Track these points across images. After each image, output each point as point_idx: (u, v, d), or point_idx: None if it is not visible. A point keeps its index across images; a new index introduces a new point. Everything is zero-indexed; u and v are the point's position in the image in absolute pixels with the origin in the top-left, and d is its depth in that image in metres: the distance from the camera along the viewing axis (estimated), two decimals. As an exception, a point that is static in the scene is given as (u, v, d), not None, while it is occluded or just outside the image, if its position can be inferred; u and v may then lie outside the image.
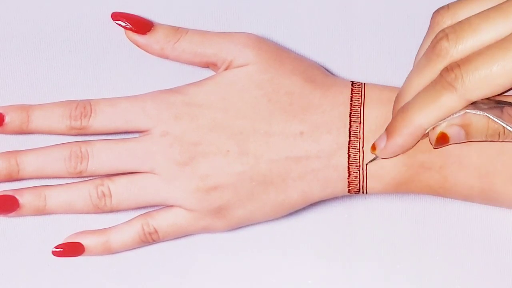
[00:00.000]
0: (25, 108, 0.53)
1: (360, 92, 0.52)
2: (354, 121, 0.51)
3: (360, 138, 0.51)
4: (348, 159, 0.51)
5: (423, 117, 0.48)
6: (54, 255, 0.54)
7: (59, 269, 0.55)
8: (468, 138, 0.48)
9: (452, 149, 0.50)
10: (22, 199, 0.53)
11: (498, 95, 0.47)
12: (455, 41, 0.47)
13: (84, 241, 0.54)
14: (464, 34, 0.47)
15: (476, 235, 0.55)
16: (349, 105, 0.51)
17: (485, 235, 0.55)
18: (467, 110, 0.47)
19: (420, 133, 0.48)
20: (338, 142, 0.51)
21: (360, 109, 0.51)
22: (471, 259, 0.55)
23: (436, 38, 0.48)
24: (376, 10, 0.56)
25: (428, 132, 0.48)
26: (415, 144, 0.49)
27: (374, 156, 0.50)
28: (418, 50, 0.50)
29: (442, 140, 0.48)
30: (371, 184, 0.51)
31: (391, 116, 0.50)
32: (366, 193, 0.51)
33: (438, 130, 0.48)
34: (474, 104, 0.47)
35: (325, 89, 0.52)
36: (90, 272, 0.55)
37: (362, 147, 0.51)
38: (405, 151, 0.50)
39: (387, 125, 0.50)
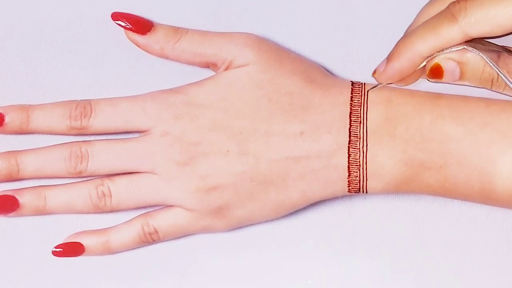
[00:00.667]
0: (25, 108, 0.53)
1: (360, 92, 0.52)
2: (354, 121, 0.51)
3: (360, 138, 0.51)
4: (348, 159, 0.51)
5: (422, 44, 0.49)
6: (54, 255, 0.54)
7: (59, 269, 0.55)
8: (462, 78, 0.50)
9: (452, 149, 0.50)
10: (22, 199, 0.53)
11: (498, 37, 0.48)
12: None
13: (84, 241, 0.54)
14: None
15: (476, 235, 0.55)
16: (349, 105, 0.51)
17: (485, 235, 0.55)
18: (465, 46, 0.48)
19: (417, 59, 0.50)
20: (338, 142, 0.51)
21: (360, 109, 0.51)
22: (471, 259, 0.55)
23: None
24: (376, 10, 0.56)
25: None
26: (412, 72, 0.50)
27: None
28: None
29: (436, 71, 0.50)
30: (371, 184, 0.51)
31: (391, 115, 0.50)
32: (366, 192, 0.51)
33: (435, 61, 0.49)
34: (473, 44, 0.48)
35: (325, 89, 0.52)
36: (90, 272, 0.55)
37: (362, 147, 0.51)
38: (403, 77, 0.51)
39: (387, 125, 0.50)
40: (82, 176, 0.53)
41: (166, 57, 0.54)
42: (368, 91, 0.51)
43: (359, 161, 0.51)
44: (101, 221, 0.54)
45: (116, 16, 0.53)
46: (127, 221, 0.54)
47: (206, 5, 0.57)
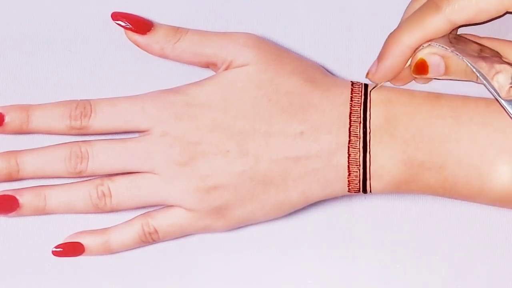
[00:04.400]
0: (25, 108, 0.53)
1: (360, 92, 0.52)
2: (354, 121, 0.51)
3: (360, 138, 0.51)
4: (348, 159, 0.51)
5: (408, 37, 0.49)
6: (54, 255, 0.54)
7: (59, 269, 0.55)
8: (448, 72, 0.50)
9: (452, 149, 0.50)
10: (22, 199, 0.53)
11: (483, 22, 0.48)
12: None
13: (84, 241, 0.54)
14: None
15: (476, 235, 0.55)
16: (349, 105, 0.51)
17: (485, 235, 0.55)
18: (450, 50, 0.48)
19: (406, 52, 0.50)
20: (338, 142, 0.51)
21: (360, 109, 0.51)
22: (471, 259, 0.55)
23: None
24: (376, 10, 0.56)
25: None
26: (403, 67, 0.50)
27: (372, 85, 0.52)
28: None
29: (421, 67, 0.50)
30: (371, 184, 0.51)
31: (391, 115, 0.51)
32: (370, 191, 0.51)
33: (419, 55, 0.49)
34: (461, 47, 0.48)
35: (325, 89, 0.52)
36: (90, 272, 0.55)
37: (362, 147, 0.51)
38: (396, 74, 0.51)
39: (387, 125, 0.50)
40: (82, 176, 0.53)
41: (166, 57, 0.54)
42: (370, 91, 0.51)
43: (359, 161, 0.51)
44: (101, 221, 0.54)
45: (116, 16, 0.53)
46: (127, 221, 0.54)
47: (206, 5, 0.57)
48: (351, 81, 0.53)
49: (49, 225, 0.55)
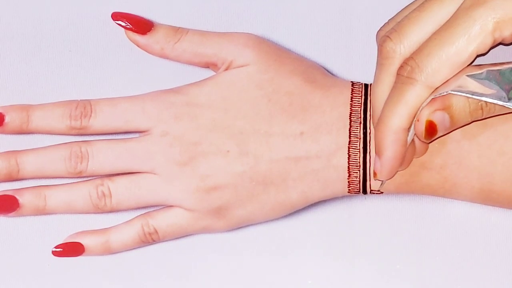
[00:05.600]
0: (25, 108, 0.53)
1: (360, 93, 0.52)
2: (354, 122, 0.51)
3: (360, 139, 0.51)
4: (348, 159, 0.51)
5: (396, 119, 0.47)
6: (54, 255, 0.54)
7: (59, 269, 0.55)
8: (454, 122, 0.47)
9: (452, 149, 0.50)
10: (22, 199, 0.53)
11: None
12: (399, 39, 0.47)
13: (84, 241, 0.54)
14: (405, 29, 0.47)
15: (476, 235, 0.55)
16: (349, 105, 0.51)
17: (485, 235, 0.55)
18: (432, 97, 0.47)
19: (402, 136, 0.47)
20: (338, 142, 0.51)
21: (360, 110, 0.51)
22: (471, 259, 0.55)
23: (380, 43, 0.48)
24: (376, 10, 0.56)
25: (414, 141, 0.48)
26: (405, 151, 0.48)
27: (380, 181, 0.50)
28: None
29: (431, 128, 0.47)
30: (371, 185, 0.51)
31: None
32: (370, 192, 0.51)
33: (423, 119, 0.47)
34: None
35: (325, 90, 0.52)
36: (90, 272, 0.55)
37: (362, 148, 0.51)
38: (402, 161, 0.49)
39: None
40: (82, 176, 0.53)
41: (166, 57, 0.54)
42: (379, 190, 0.50)
43: (359, 162, 0.50)
44: (101, 221, 0.54)
45: (116, 16, 0.53)
46: (127, 221, 0.54)
47: (206, 5, 0.57)
48: (351, 81, 0.52)
49: (49, 225, 0.55)
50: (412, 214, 0.55)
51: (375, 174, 0.49)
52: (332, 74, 0.55)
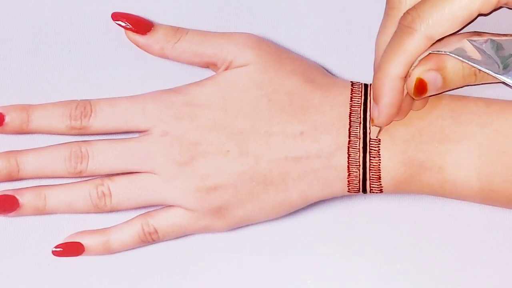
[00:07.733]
0: (25, 108, 0.53)
1: (360, 93, 0.52)
2: (353, 122, 0.51)
3: (360, 138, 0.51)
4: (348, 159, 0.51)
5: (394, 66, 0.48)
6: (54, 255, 0.54)
7: (59, 269, 0.55)
8: (446, 83, 0.49)
9: (452, 149, 0.50)
10: (22, 199, 0.53)
11: (458, 30, 0.47)
12: None
13: (84, 241, 0.54)
14: None
15: (476, 235, 0.55)
16: (349, 105, 0.51)
17: (485, 235, 0.55)
18: (430, 51, 0.47)
19: (398, 83, 0.48)
20: (338, 142, 0.51)
21: (360, 110, 0.51)
22: (471, 259, 0.55)
23: None
24: (376, 10, 0.56)
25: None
26: (402, 98, 0.49)
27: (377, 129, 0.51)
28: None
29: (421, 86, 0.48)
30: (371, 184, 0.51)
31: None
32: (370, 192, 0.51)
33: (414, 76, 0.48)
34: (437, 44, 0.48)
35: (325, 90, 0.52)
36: (90, 272, 0.55)
37: (362, 147, 0.51)
38: (398, 109, 0.49)
39: (387, 125, 0.50)
40: (82, 176, 0.53)
41: (166, 57, 0.54)
42: (377, 137, 0.51)
43: (359, 162, 0.51)
44: (101, 221, 0.54)
45: (116, 16, 0.53)
46: (127, 221, 0.54)
47: (206, 5, 0.57)
48: (351, 81, 0.53)
49: (49, 225, 0.55)
50: (412, 214, 0.55)
51: (372, 120, 0.50)
52: (332, 74, 0.55)
